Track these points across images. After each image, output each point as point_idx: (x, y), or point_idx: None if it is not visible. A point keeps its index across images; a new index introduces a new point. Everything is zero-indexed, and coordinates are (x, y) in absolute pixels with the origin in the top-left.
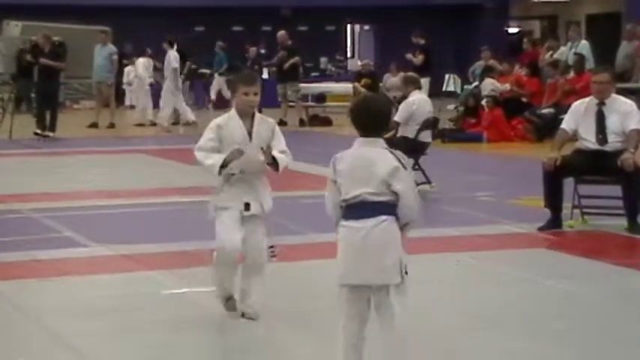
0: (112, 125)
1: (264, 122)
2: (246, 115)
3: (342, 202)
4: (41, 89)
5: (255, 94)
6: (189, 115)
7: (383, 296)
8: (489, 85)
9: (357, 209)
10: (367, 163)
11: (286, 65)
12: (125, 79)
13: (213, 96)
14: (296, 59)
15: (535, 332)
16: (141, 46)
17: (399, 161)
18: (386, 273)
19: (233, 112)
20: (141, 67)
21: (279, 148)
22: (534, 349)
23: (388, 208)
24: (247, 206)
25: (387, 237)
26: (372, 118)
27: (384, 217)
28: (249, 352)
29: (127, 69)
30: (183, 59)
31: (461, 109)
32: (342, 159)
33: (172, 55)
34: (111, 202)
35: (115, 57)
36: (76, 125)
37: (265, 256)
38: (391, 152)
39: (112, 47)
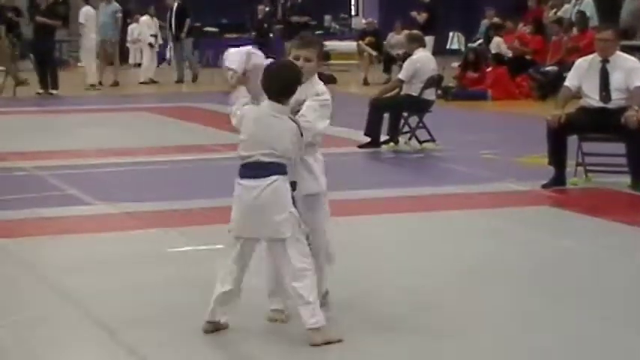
0: (115, 83)
1: (311, 88)
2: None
3: (239, 159)
4: (36, 48)
5: (307, 59)
6: (97, 76)
7: (279, 248)
8: (496, 44)
9: (251, 168)
10: (268, 128)
11: (298, 19)
12: (129, 37)
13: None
14: (306, 18)
15: (538, 290)
16: (144, 4)
17: (299, 129)
18: (276, 228)
19: None
20: (144, 25)
21: (301, 113)
22: (535, 306)
23: (280, 167)
24: (293, 185)
25: (277, 196)
26: (277, 87)
27: (275, 176)
28: (251, 308)
29: (130, 27)
30: (184, 16)
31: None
32: (249, 116)
33: (83, 12)
34: (114, 160)
35: (120, 15)
36: (79, 83)
37: (325, 238)
38: (292, 120)
39: (116, 5)
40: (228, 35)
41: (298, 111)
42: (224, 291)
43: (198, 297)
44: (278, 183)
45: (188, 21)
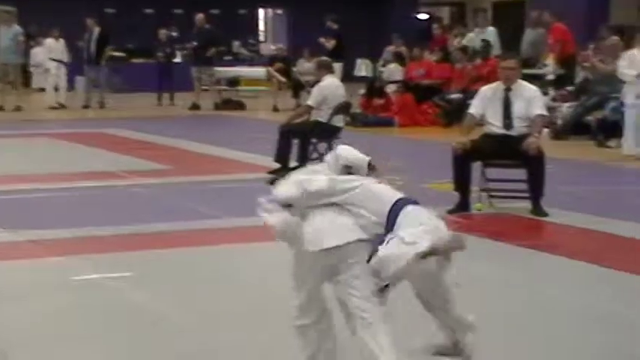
0: (18, 108)
1: None
2: None
3: None
4: None
5: None
6: None
7: None
8: (395, 70)
9: None
10: None
11: (209, 53)
12: (32, 61)
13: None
14: (218, 50)
15: None
16: (47, 27)
17: None
18: None
19: None
20: (46, 48)
21: None
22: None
23: None
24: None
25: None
26: None
27: None
28: (161, 336)
29: (33, 50)
30: (104, 43)
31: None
32: None
33: None
34: (17, 187)
35: (22, 38)
36: None
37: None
38: None
39: (17, 28)
40: (135, 60)
41: None
42: None
43: (102, 325)
44: None
45: (108, 48)
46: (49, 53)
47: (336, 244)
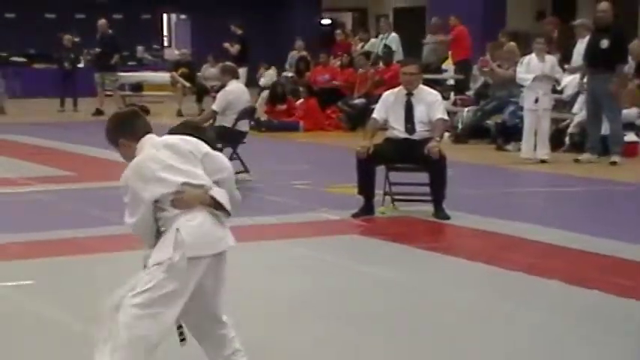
0: None
1: None
2: None
3: None
4: None
5: None
6: None
7: None
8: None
9: None
10: None
11: (113, 61)
12: None
13: None
14: (118, 56)
15: (348, 317)
16: None
17: None
18: None
19: None
20: None
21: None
22: (347, 333)
23: None
24: None
25: None
26: None
27: None
28: (67, 347)
29: None
30: None
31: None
32: None
33: None
34: None
35: None
36: None
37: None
38: None
39: None
40: (37, 65)
41: None
42: None
43: (5, 336)
44: None
45: None
46: None
47: None
